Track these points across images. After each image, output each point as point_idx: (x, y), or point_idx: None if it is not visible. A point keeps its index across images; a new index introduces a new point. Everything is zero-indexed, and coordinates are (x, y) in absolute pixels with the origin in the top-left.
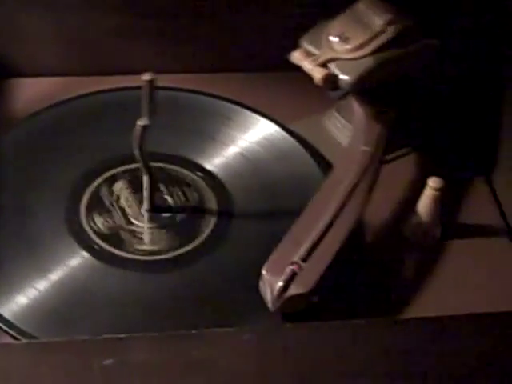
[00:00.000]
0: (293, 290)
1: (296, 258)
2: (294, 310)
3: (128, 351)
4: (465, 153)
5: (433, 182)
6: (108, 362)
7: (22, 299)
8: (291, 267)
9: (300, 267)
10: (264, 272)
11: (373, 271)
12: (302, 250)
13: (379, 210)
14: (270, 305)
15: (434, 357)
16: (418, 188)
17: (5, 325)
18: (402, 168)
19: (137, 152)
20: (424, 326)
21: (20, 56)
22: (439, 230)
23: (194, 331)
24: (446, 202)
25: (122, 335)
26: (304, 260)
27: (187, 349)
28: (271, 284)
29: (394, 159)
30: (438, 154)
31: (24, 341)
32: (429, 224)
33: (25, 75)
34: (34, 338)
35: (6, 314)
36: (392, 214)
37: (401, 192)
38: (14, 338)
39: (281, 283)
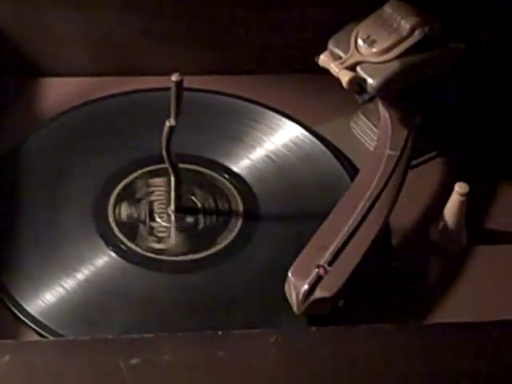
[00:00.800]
0: (318, 294)
1: (322, 262)
2: (319, 313)
3: (155, 351)
4: (492, 158)
5: (459, 187)
6: (135, 361)
7: (49, 297)
8: (317, 270)
9: (326, 271)
10: (290, 275)
11: (399, 275)
12: (328, 254)
13: (406, 215)
14: (295, 308)
15: (460, 362)
16: (444, 193)
17: (32, 322)
18: (429, 172)
19: (164, 153)
20: (451, 331)
21: (48, 56)
22: (466, 234)
23: (220, 332)
24: (473, 207)
25: (149, 335)
26: (330, 264)
27: (213, 349)
28: (297, 287)
29: (420, 164)
30: (465, 159)
31: (50, 338)
32: (455, 229)
33: (52, 75)
34: (61, 335)
35: (34, 312)
36: (419, 219)
37: (427, 197)
38: (41, 335)
39: (306, 286)
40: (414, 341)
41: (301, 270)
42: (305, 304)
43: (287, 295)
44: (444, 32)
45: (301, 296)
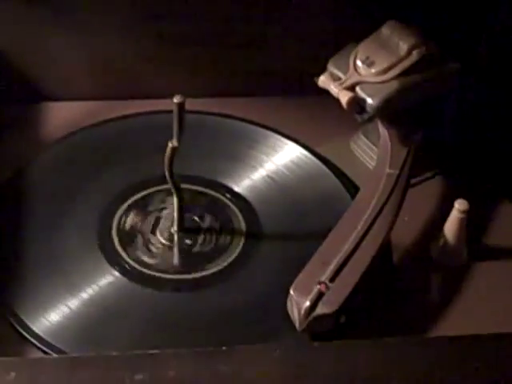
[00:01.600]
0: (320, 310)
1: (323, 278)
2: (320, 329)
3: (159, 366)
4: (492, 175)
5: (459, 205)
6: (139, 377)
7: (53, 315)
8: (318, 287)
9: (327, 287)
10: (291, 292)
11: (400, 292)
12: (330, 271)
13: (407, 232)
14: (297, 324)
15: (461, 375)
16: (444, 210)
17: (36, 340)
18: (429, 190)
19: (167, 173)
20: (451, 345)
21: (52, 80)
22: (466, 251)
23: (223, 348)
24: (473, 224)
25: (154, 351)
26: (331, 280)
27: (217, 365)
28: (298, 304)
29: (420, 182)
30: (464, 176)
31: (55, 355)
32: (456, 245)
33: (56, 99)
34: (65, 353)
35: (38, 330)
36: (419, 236)
37: (428, 214)
38: (45, 352)
39: (308, 303)
40: (416, 354)
41: (302, 287)
42: (307, 320)
43: (289, 312)
44: (441, 52)
45: (302, 312)
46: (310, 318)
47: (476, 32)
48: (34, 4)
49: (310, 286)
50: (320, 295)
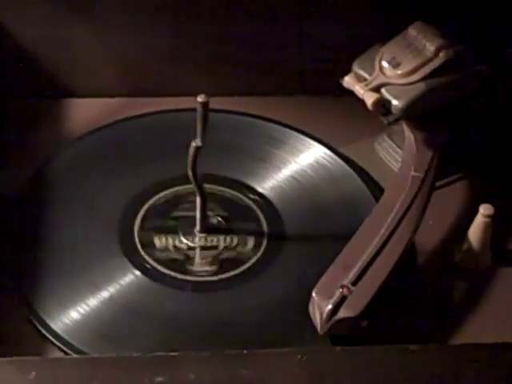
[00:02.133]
0: (342, 314)
1: (346, 282)
2: (342, 333)
3: (179, 369)
4: None
5: (484, 209)
6: (159, 379)
7: (73, 315)
8: (341, 290)
9: (350, 291)
10: (314, 295)
11: (424, 296)
12: (352, 274)
13: (431, 236)
14: (318, 328)
15: (485, 383)
16: (469, 214)
17: (56, 339)
18: (454, 194)
19: (190, 173)
20: (475, 352)
21: (73, 77)
22: (490, 255)
23: (244, 351)
24: (498, 228)
25: (175, 353)
26: (354, 284)
27: (238, 368)
28: (320, 307)
29: (445, 185)
30: (490, 180)
31: (75, 356)
32: (480, 250)
33: (78, 96)
34: (84, 353)
35: (58, 329)
36: (443, 240)
37: (452, 218)
38: (65, 352)
39: (330, 306)
40: (438, 361)
41: (325, 290)
42: (328, 324)
43: (311, 315)
44: (469, 54)
45: (325, 316)
46: (332, 321)
47: (505, 34)
48: (59, 1)
49: (332, 290)
50: (342, 299)
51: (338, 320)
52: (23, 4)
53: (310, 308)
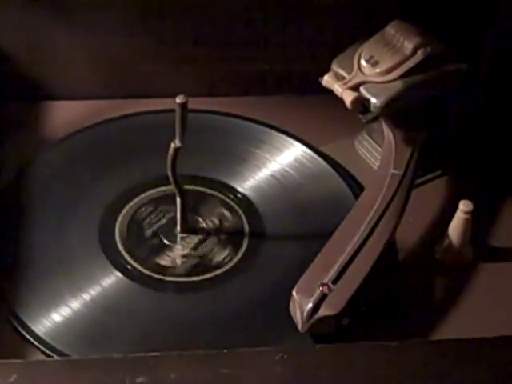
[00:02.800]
0: (322, 312)
1: (326, 280)
2: (323, 331)
3: (160, 369)
4: (496, 175)
5: (464, 205)
6: (141, 379)
7: (55, 317)
8: (321, 289)
9: (330, 289)
10: (294, 293)
11: (404, 293)
12: (332, 272)
13: (411, 233)
14: (299, 326)
15: (466, 378)
16: (449, 210)
17: (38, 342)
18: (433, 191)
19: (169, 173)
20: (456, 348)
21: (54, 79)
22: (471, 252)
23: (224, 350)
24: (478, 224)
25: (155, 353)
26: (334, 282)
27: (218, 367)
28: (301, 305)
29: (424, 182)
30: (469, 177)
31: (56, 358)
32: (460, 246)
33: (59, 98)
34: (66, 355)
35: (40, 332)
36: (424, 237)
37: (432, 215)
38: (47, 355)
39: (310, 305)
40: (418, 357)
41: (305, 289)
42: (309, 322)
43: (292, 314)
44: (446, 52)
45: (305, 314)
46: (313, 319)
47: (481, 31)
48: (37, 3)
49: (312, 288)
50: (323, 297)
51: (318, 318)
52: (1, 7)
53: (291, 306)
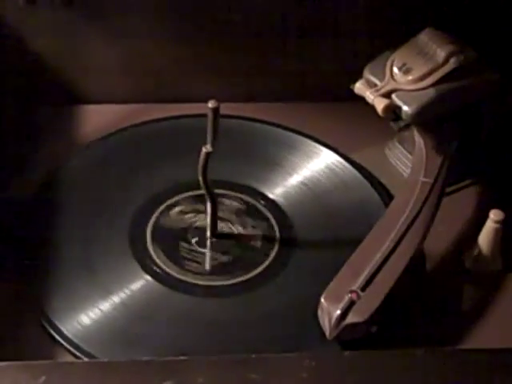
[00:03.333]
0: (350, 319)
1: (355, 287)
2: (351, 338)
3: (188, 373)
4: None
5: (494, 215)
6: (168, 383)
7: (84, 319)
8: (349, 296)
9: (358, 296)
10: (323, 300)
11: (433, 302)
12: (361, 279)
13: (441, 242)
14: (327, 333)
15: None
16: (479, 219)
17: (67, 343)
18: (464, 199)
19: (200, 178)
20: (484, 358)
21: (87, 83)
22: (500, 261)
23: (253, 355)
24: (508, 234)
25: (183, 357)
26: (363, 289)
27: (246, 373)
28: (329, 312)
29: (455, 191)
30: (500, 186)
31: (85, 360)
32: (490, 256)
33: (91, 102)
34: (95, 357)
35: (70, 334)
36: (453, 246)
37: (462, 223)
38: (76, 356)
39: (339, 311)
40: (447, 366)
41: (334, 295)
42: (337, 329)
43: (320, 320)
44: (479, 61)
45: (333, 321)
46: (341, 326)
47: None
48: (72, 7)
49: (341, 295)
50: (351, 304)
51: (346, 325)
52: (36, 11)
53: (319, 313)
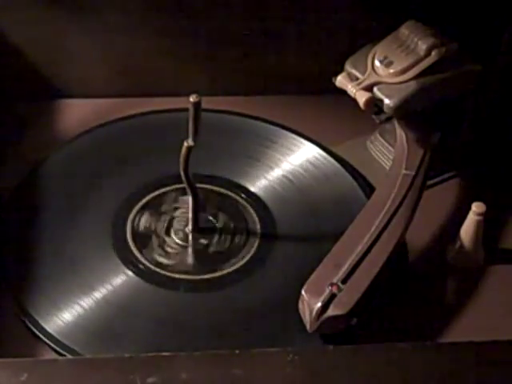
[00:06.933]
0: (331, 312)
1: (335, 280)
2: (332, 331)
3: (171, 369)
4: (509, 177)
5: (476, 207)
6: (151, 379)
7: (66, 315)
8: (330, 288)
9: (339, 289)
10: (303, 292)
11: (414, 294)
12: (342, 272)
13: (422, 235)
14: (308, 325)
15: (477, 381)
16: (461, 212)
17: (49, 340)
18: (446, 192)
19: (182, 173)
20: (465, 351)
21: (69, 77)
22: (482, 254)
23: (237, 351)
24: (490, 226)
25: (166, 353)
26: (343, 282)
27: (230, 368)
28: (310, 305)
29: (437, 183)
30: (481, 178)
31: (68, 357)
32: (472, 248)
33: (73, 96)
34: (78, 354)
35: (51, 330)
36: (435, 239)
37: (444, 216)
38: (59, 353)
39: (319, 304)
40: (429, 359)
41: (314, 288)
42: (318, 322)
43: (301, 313)
44: (461, 53)
45: (314, 314)
46: (321, 319)
47: (496, 32)
48: (50, 2)
49: (322, 288)
50: (332, 297)
51: (327, 318)
52: (16, 6)
53: (300, 306)
